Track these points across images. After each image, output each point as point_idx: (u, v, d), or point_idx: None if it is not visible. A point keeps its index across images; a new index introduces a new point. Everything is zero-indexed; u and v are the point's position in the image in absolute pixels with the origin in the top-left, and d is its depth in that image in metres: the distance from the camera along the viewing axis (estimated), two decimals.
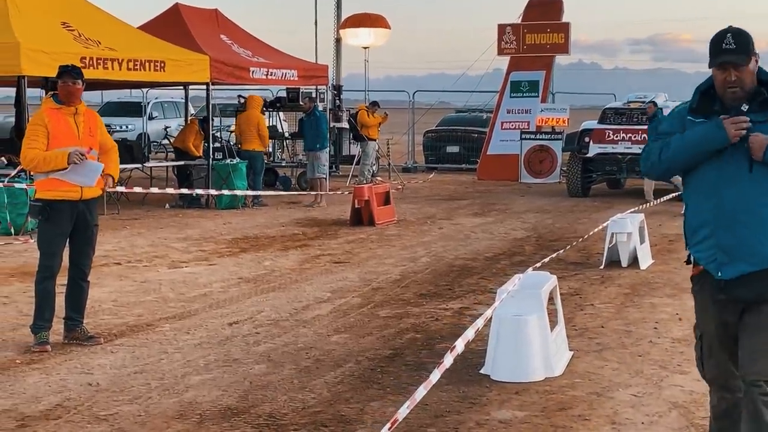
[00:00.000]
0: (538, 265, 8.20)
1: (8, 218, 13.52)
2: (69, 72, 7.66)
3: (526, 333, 6.64)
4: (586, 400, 6.23)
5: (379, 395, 6.32)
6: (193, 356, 7.25)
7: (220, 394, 6.30)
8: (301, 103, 20.73)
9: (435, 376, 4.53)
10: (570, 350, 7.37)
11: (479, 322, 5.79)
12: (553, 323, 7.13)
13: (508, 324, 6.66)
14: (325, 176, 18.85)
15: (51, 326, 7.58)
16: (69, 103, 7.64)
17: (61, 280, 7.72)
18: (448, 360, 4.80)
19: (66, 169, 7.40)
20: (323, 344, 7.67)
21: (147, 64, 16.25)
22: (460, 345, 5.09)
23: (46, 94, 17.69)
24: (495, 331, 6.71)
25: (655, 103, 19.57)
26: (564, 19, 26.01)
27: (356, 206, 15.53)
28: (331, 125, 23.82)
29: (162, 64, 16.49)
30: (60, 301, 7.70)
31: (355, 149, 24.79)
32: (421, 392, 4.46)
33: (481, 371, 6.78)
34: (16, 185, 13.55)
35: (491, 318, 6.60)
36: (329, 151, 21.75)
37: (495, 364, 6.70)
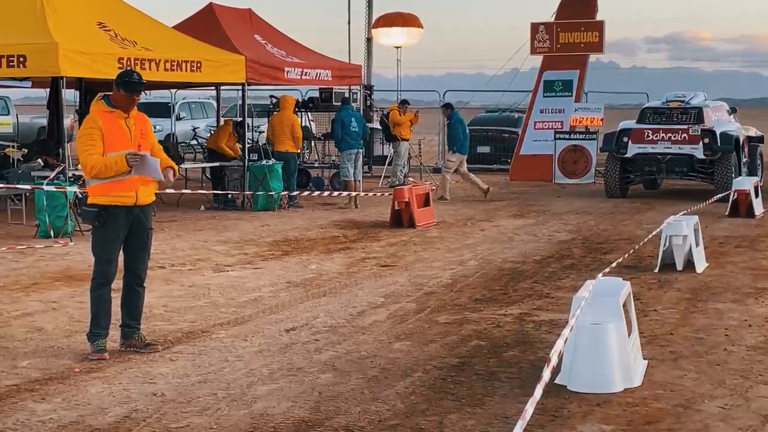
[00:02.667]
0: (606, 270, 7.94)
1: (47, 221, 13.35)
2: (134, 84, 7.44)
3: (605, 342, 6.38)
4: (673, 413, 5.97)
5: (456, 407, 6.08)
6: (255, 365, 7.03)
7: (290, 405, 6.07)
8: (334, 103, 20.52)
9: (538, 392, 4.28)
10: (644, 359, 7.11)
11: (566, 332, 5.53)
12: (628, 331, 6.86)
13: (585, 332, 6.41)
14: (349, 178, 18.57)
15: (108, 334, 7.39)
16: (124, 110, 7.44)
17: (115, 284, 7.52)
18: (547, 374, 4.55)
19: (129, 171, 7.21)
20: (386, 352, 7.43)
21: (183, 64, 16.06)
22: (554, 358, 4.84)
23: (81, 95, 17.69)
24: (572, 339, 6.45)
25: (450, 105, 20.47)
26: (597, 18, 25.68)
27: (396, 208, 15.29)
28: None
29: (198, 65, 16.30)
30: (115, 307, 7.50)
31: (387, 150, 24.54)
32: (528, 410, 4.17)
33: (557, 381, 6.52)
34: (54, 188, 13.36)
35: (565, 326, 6.35)
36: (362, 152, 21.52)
37: (572, 374, 6.44)
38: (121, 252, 7.51)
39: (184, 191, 16.32)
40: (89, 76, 14.75)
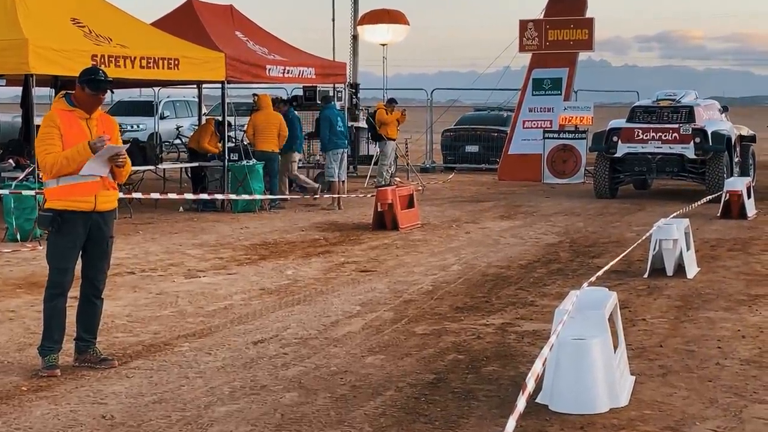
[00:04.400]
0: (592, 279, 7.50)
1: (14, 224, 12.87)
2: (100, 82, 6.96)
3: (589, 358, 5.94)
4: None
5: (428, 430, 5.64)
6: (216, 382, 6.57)
7: (249, 429, 5.62)
8: (318, 102, 20.10)
9: (511, 425, 3.84)
10: (632, 374, 6.67)
11: (546, 351, 5.09)
12: (614, 345, 6.43)
13: (568, 348, 5.96)
14: (333, 178, 18.17)
15: (61, 348, 6.92)
16: (86, 110, 6.97)
17: (72, 293, 7.06)
18: (521, 403, 4.11)
19: (92, 158, 6.72)
20: (358, 367, 6.99)
21: (161, 61, 15.61)
22: (531, 382, 4.40)
23: (57, 93, 17.18)
24: (554, 355, 6.00)
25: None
26: (587, 15, 25.27)
27: (379, 210, 14.84)
28: (348, 124, 23.15)
29: (176, 62, 15.84)
30: (71, 319, 7.05)
31: (373, 149, 24.11)
32: None
33: (538, 400, 6.08)
34: (24, 191, 12.90)
35: (548, 338, 5.91)
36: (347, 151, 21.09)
37: (554, 393, 6.00)
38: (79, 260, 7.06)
39: (166, 196, 15.83)
40: (61, 73, 14.25)
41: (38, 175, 13.80)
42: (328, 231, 14.69)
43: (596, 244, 13.52)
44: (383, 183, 20.87)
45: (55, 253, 7.00)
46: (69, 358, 7.02)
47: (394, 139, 22.58)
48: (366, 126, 24.23)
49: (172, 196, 15.35)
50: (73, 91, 7.11)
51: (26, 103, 15.38)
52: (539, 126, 24.59)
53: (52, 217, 6.92)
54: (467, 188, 22.40)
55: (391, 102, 23.08)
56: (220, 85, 17.31)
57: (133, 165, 17.35)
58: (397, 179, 22.78)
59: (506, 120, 27.07)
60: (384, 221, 14.81)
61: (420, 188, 21.33)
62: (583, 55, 26.43)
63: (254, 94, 20.29)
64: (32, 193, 12.83)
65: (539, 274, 11.09)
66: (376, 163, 22.87)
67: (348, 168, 22.36)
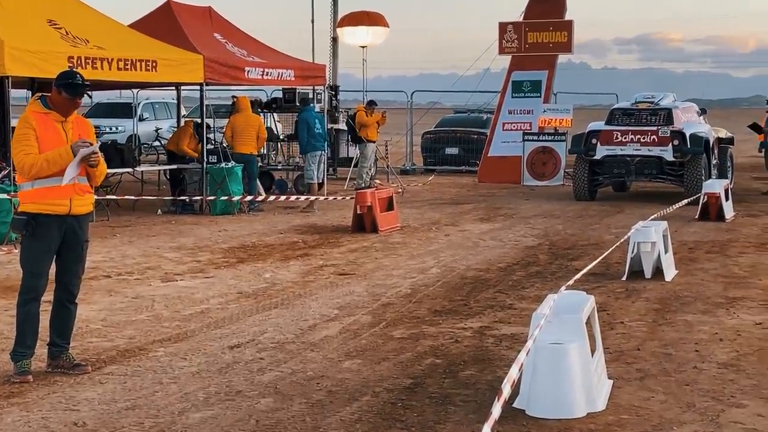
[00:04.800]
0: (570, 282, 7.47)
1: None
2: (77, 86, 6.89)
3: (566, 363, 5.91)
4: None
5: None
6: (191, 388, 6.51)
7: None
8: (298, 104, 20.04)
9: (486, 431, 3.79)
10: (609, 378, 6.65)
11: (522, 356, 5.06)
12: (592, 349, 6.40)
13: (545, 353, 5.93)
14: (313, 180, 18.15)
15: (33, 353, 6.84)
16: (62, 114, 6.89)
17: (46, 297, 6.98)
18: (497, 410, 4.07)
19: (73, 161, 6.66)
20: (335, 372, 6.93)
21: (138, 63, 15.49)
22: (507, 388, 4.36)
23: (33, 95, 17.04)
24: (531, 360, 5.97)
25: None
26: (566, 17, 25.30)
27: (358, 212, 14.79)
28: (328, 126, 23.11)
29: (154, 64, 15.73)
30: (44, 324, 6.97)
31: (353, 151, 24.07)
32: None
33: (515, 405, 6.05)
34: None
35: (525, 343, 5.88)
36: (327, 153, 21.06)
37: (531, 398, 5.97)
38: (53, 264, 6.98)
39: (141, 197, 15.74)
40: (38, 75, 14.13)
41: (14, 177, 13.69)
42: (307, 234, 14.63)
43: (575, 246, 13.52)
44: (363, 185, 20.83)
45: (29, 257, 6.92)
46: (42, 363, 6.95)
47: (374, 141, 22.56)
48: (346, 128, 24.18)
49: (148, 197, 15.23)
50: (49, 94, 7.03)
51: (2, 106, 15.23)
52: (519, 128, 24.60)
53: (26, 221, 6.84)
54: (447, 190, 22.37)
55: (371, 104, 23.04)
56: (198, 87, 17.24)
57: (110, 167, 17.32)
58: (377, 181, 22.74)
59: (486, 122, 27.06)
60: (363, 224, 14.76)
61: (400, 190, 21.29)
62: (562, 58, 26.48)
63: (233, 96, 20.23)
64: (7, 196, 12.70)
65: (518, 276, 11.07)
66: (356, 166, 22.83)
67: (328, 170, 22.33)
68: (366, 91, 26.98)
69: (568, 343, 5.95)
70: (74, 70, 8.70)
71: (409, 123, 28.53)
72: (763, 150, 21.25)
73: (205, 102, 17.68)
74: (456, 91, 30.56)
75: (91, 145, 6.86)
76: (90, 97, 7.98)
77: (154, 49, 16.10)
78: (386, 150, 24.74)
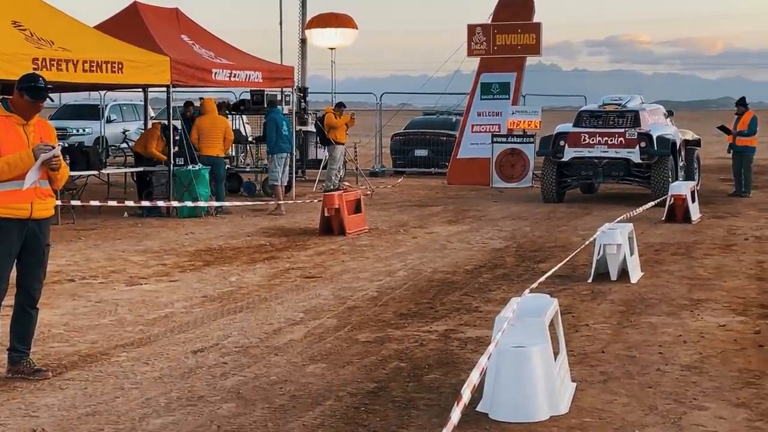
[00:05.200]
0: (534, 285, 7.48)
1: None
2: (40, 90, 6.83)
3: (529, 366, 5.90)
4: None
5: None
6: (152, 393, 6.45)
7: None
8: (266, 106, 19.99)
9: None
10: (573, 381, 6.65)
11: (483, 360, 5.04)
12: (555, 352, 6.40)
13: (508, 357, 5.92)
14: (275, 182, 18.12)
15: None
16: (23, 117, 6.82)
17: (7, 302, 6.90)
18: (456, 415, 4.05)
19: (34, 165, 6.59)
20: (298, 376, 6.90)
21: (104, 65, 15.38)
22: (467, 393, 4.35)
23: None
24: (494, 364, 5.96)
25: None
26: (534, 20, 25.38)
27: (326, 215, 14.75)
28: (297, 128, 23.07)
29: (120, 66, 15.63)
30: (4, 329, 6.89)
31: (322, 153, 24.02)
32: None
33: (478, 408, 6.04)
34: None
35: (488, 346, 5.86)
36: (293, 155, 21.03)
37: (494, 402, 5.96)
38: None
39: (107, 203, 15.63)
40: (1, 77, 13.99)
41: None
42: (274, 236, 14.58)
43: (542, 248, 13.54)
44: (332, 187, 20.80)
45: None
46: (2, 369, 6.87)
47: (342, 144, 22.53)
48: (314, 130, 24.13)
49: (112, 203, 15.14)
50: (10, 96, 6.95)
51: None
52: (488, 130, 24.64)
53: None
54: (416, 192, 22.37)
55: (340, 106, 23.01)
56: (165, 89, 17.15)
57: (76, 170, 17.19)
58: (346, 183, 22.72)
59: (455, 124, 27.09)
60: (331, 226, 14.72)
61: (369, 192, 21.28)
62: (533, 60, 26.60)
63: (200, 98, 20.14)
64: None
65: (485, 279, 11.07)
66: (324, 168, 22.78)
67: (297, 172, 22.29)
68: (335, 93, 26.95)
69: (531, 347, 5.95)
70: (36, 73, 8.63)
71: (379, 125, 28.53)
72: (731, 152, 21.38)
73: (172, 104, 17.58)
74: (425, 93, 30.59)
75: (53, 148, 6.80)
76: (52, 100, 7.89)
77: (120, 51, 16.00)
78: (355, 152, 24.71)
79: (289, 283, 10.75)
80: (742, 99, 21.65)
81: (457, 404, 4.19)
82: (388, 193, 22.09)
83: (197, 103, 19.53)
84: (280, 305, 9.48)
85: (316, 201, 16.32)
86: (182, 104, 20.72)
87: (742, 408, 6.20)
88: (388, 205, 19.27)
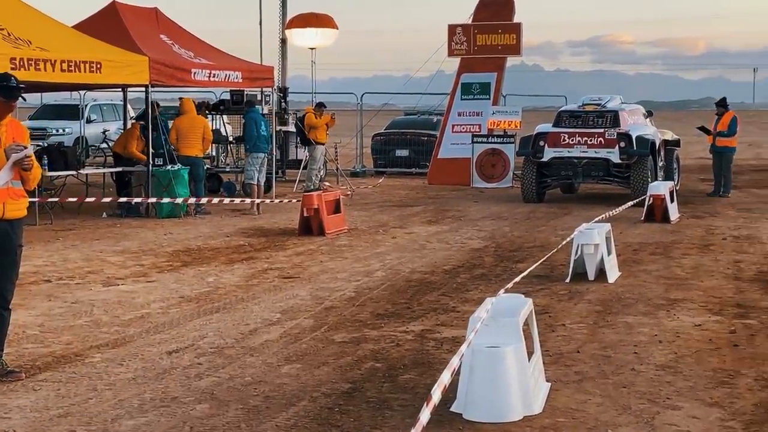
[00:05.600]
0: (509, 285, 7.48)
1: None
2: (13, 89, 6.81)
3: (502, 366, 5.91)
4: None
5: None
6: (126, 394, 6.42)
7: None
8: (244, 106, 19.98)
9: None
10: (547, 381, 6.66)
11: (455, 361, 5.04)
12: (529, 352, 6.40)
13: (482, 357, 5.92)
14: (253, 182, 18.10)
15: None
16: None
17: None
18: (425, 416, 4.05)
19: (6, 165, 6.57)
20: (273, 377, 6.88)
21: (82, 65, 15.31)
22: (437, 394, 4.34)
23: None
24: (467, 364, 5.96)
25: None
26: (515, 20, 25.42)
27: (305, 215, 14.73)
28: (277, 128, 23.04)
29: (98, 66, 15.56)
30: None
31: (302, 153, 23.99)
32: None
33: (452, 409, 6.04)
34: None
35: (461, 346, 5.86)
36: (274, 155, 21.02)
37: (468, 402, 5.96)
38: None
39: (85, 200, 15.56)
40: None
41: None
42: (253, 237, 14.54)
43: (521, 248, 13.56)
44: (312, 187, 20.78)
45: None
46: None
47: (323, 144, 22.51)
48: (295, 130, 24.10)
49: (90, 200, 15.07)
50: None
51: None
52: (468, 130, 24.65)
53: None
54: (396, 192, 22.37)
55: (320, 106, 22.98)
56: (144, 89, 17.08)
57: (54, 170, 17.11)
58: (327, 184, 22.71)
59: (436, 124, 27.11)
60: (310, 226, 14.70)
61: (349, 193, 21.27)
62: (515, 60, 26.63)
63: (181, 98, 20.08)
64: None
65: (462, 279, 11.07)
66: (305, 168, 22.75)
67: (277, 173, 22.26)
68: (315, 93, 26.92)
69: (505, 347, 5.95)
70: (9, 73, 8.60)
71: (359, 125, 28.51)
72: (712, 152, 21.46)
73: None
74: (406, 93, 30.60)
75: (25, 148, 6.77)
76: (24, 99, 7.85)
77: (98, 51, 15.93)
78: (336, 152, 24.69)
79: (267, 283, 10.73)
80: (723, 99, 21.73)
81: (427, 405, 4.18)
82: (369, 194, 22.08)
83: (161, 104, 19.46)
84: (257, 306, 9.46)
85: (295, 201, 16.30)
86: (166, 104, 20.68)
87: (716, 407, 6.22)
88: (369, 206, 19.26)
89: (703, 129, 21.81)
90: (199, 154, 17.75)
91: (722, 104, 21.48)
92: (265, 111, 20.71)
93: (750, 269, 11.73)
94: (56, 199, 14.70)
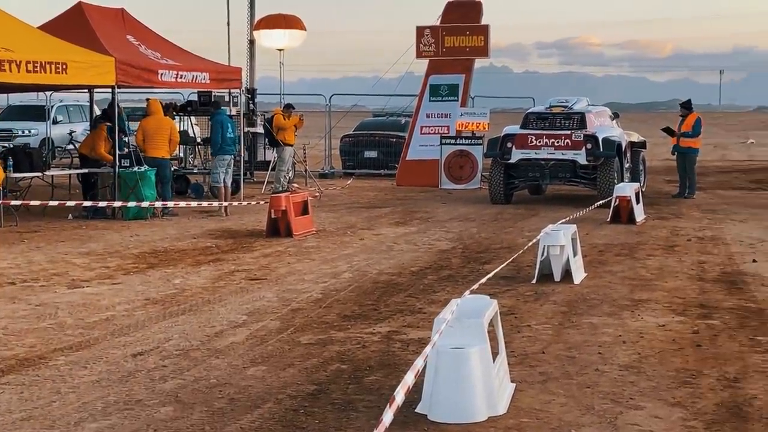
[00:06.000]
0: (475, 287, 7.51)
1: None
2: None
3: (467, 368, 5.93)
4: None
5: None
6: (90, 397, 6.39)
7: None
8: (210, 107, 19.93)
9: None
10: (512, 382, 6.69)
11: (419, 362, 5.06)
12: (494, 353, 6.43)
13: (446, 358, 5.94)
14: (219, 184, 18.06)
15: None
16: None
17: None
18: (388, 417, 4.06)
19: None
20: (239, 379, 6.87)
21: (48, 66, 15.20)
22: (400, 395, 4.36)
23: None
24: (432, 365, 5.98)
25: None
26: (483, 22, 25.50)
27: (273, 216, 14.71)
28: (245, 130, 23.00)
29: (64, 66, 15.46)
30: None
31: (270, 155, 23.95)
32: None
33: (417, 410, 6.06)
34: None
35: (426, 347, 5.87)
36: (242, 156, 20.98)
37: (433, 403, 5.98)
38: None
39: (49, 202, 15.46)
40: None
41: None
42: (220, 238, 14.50)
43: (488, 249, 13.61)
44: (281, 189, 20.75)
45: None
46: None
47: (291, 145, 22.49)
48: (263, 131, 24.06)
49: (53, 203, 14.98)
50: None
51: None
52: (436, 132, 24.73)
53: None
54: (365, 194, 22.38)
55: (288, 107, 22.96)
56: (110, 90, 16.99)
57: (19, 172, 16.97)
58: (295, 185, 22.68)
59: (404, 126, 27.17)
60: (278, 228, 14.68)
61: (318, 194, 21.26)
62: (484, 62, 26.70)
63: (147, 99, 19.99)
64: None
65: (429, 280, 11.10)
66: (273, 169, 22.72)
67: (245, 174, 22.21)
68: (284, 95, 26.88)
69: (469, 348, 5.97)
70: None
71: (328, 126, 28.50)
72: (675, 153, 21.64)
73: (119, 104, 17.41)
74: (374, 94, 30.62)
75: None
76: None
77: (64, 51, 15.83)
78: (304, 153, 24.67)
79: (234, 285, 10.70)
80: (687, 101, 21.91)
81: (390, 406, 4.19)
82: (337, 195, 22.08)
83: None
84: (224, 308, 9.43)
85: (263, 203, 16.27)
86: (133, 105, 20.58)
87: (678, 407, 6.27)
88: (337, 207, 19.26)
89: (667, 130, 21.98)
90: (166, 155, 17.68)
91: (687, 106, 21.66)
92: (233, 112, 20.66)
93: (714, 270, 11.84)
94: (19, 203, 14.58)
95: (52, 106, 28.80)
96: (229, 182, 18.46)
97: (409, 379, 4.68)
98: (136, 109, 25.49)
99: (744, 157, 39.96)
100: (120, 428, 5.77)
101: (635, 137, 22.29)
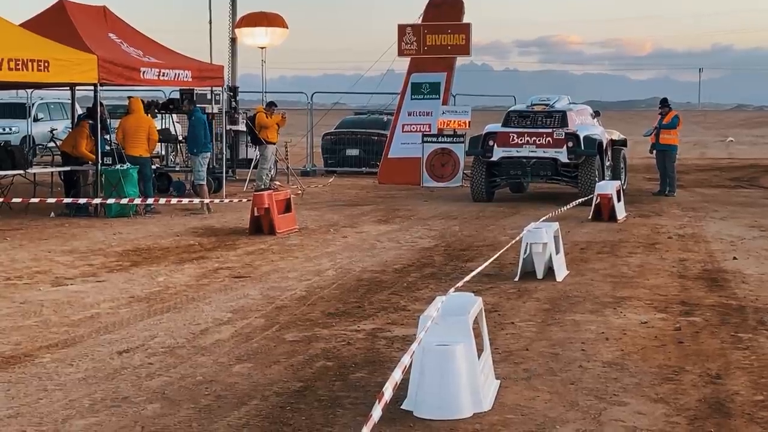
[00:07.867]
0: (459, 284, 7.56)
1: None
2: None
3: (452, 365, 5.98)
4: None
5: None
6: (76, 394, 6.41)
7: None
8: (182, 106, 19.97)
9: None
10: (497, 378, 6.75)
11: (406, 359, 5.11)
12: (479, 350, 6.49)
13: (432, 355, 5.99)
14: (203, 182, 18.06)
15: None
16: None
17: None
18: (377, 413, 4.11)
19: None
20: (225, 376, 6.90)
21: (30, 63, 15.18)
22: (389, 391, 4.40)
23: None
24: (418, 362, 6.03)
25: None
26: (464, 20, 25.58)
27: (255, 214, 14.73)
28: (228, 128, 23.00)
29: (46, 64, 15.43)
30: None
31: (253, 153, 23.96)
32: None
33: (403, 407, 6.11)
34: None
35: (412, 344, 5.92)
36: (224, 154, 21.02)
37: (419, 400, 6.03)
38: None
39: (32, 200, 15.43)
40: None
41: None
42: (203, 236, 14.51)
43: (471, 247, 13.67)
44: (263, 187, 20.76)
45: None
46: None
47: (274, 143, 22.50)
48: (245, 129, 24.05)
49: (34, 201, 14.94)
50: None
51: None
52: (418, 130, 24.79)
53: None
54: (347, 192, 22.42)
55: (271, 105, 22.98)
56: (93, 88, 16.96)
57: (1, 170, 16.91)
58: (277, 183, 22.70)
59: (386, 123, 27.21)
60: (261, 226, 14.70)
61: (300, 192, 21.29)
62: (465, 60, 26.80)
63: (129, 97, 19.96)
64: None
65: (413, 278, 11.15)
66: (255, 167, 22.72)
67: (227, 172, 22.22)
68: (266, 92, 26.88)
69: (454, 345, 6.02)
70: None
71: (310, 124, 28.51)
72: (654, 151, 21.78)
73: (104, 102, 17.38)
74: (356, 92, 30.65)
75: None
76: None
77: (46, 49, 15.79)
78: (286, 151, 24.68)
79: (218, 283, 10.72)
80: (665, 99, 22.06)
81: (379, 402, 4.24)
82: (319, 193, 22.10)
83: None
84: (208, 305, 9.46)
85: (246, 201, 16.28)
86: (115, 103, 20.53)
87: (661, 403, 6.35)
88: (319, 205, 19.29)
89: (649, 132, 22.11)
90: (144, 153, 17.66)
91: (665, 104, 21.82)
92: (215, 110, 20.66)
93: (695, 267, 11.94)
94: (1, 200, 14.53)
95: (33, 104, 28.71)
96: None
97: (396, 375, 4.73)
98: (117, 106, 25.43)
99: (724, 155, 40.22)
100: (107, 425, 5.79)
101: (616, 135, 22.42)
